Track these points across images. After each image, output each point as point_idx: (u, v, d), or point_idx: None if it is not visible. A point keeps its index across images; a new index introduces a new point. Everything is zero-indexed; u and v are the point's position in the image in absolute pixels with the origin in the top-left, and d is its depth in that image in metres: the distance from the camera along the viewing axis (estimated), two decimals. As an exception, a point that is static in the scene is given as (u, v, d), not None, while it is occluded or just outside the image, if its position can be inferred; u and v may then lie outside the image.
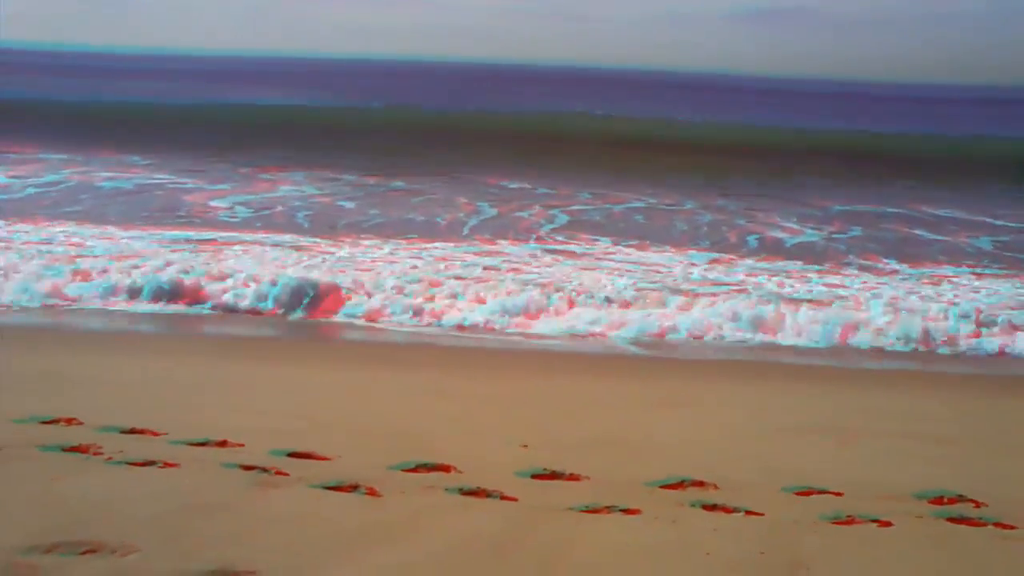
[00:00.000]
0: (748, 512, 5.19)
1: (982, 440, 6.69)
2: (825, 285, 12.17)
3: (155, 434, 5.98)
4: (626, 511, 5.14)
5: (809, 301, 11.02)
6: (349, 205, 17.38)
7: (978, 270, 13.54)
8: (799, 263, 13.45)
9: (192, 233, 13.49)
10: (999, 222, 18.97)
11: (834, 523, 5.15)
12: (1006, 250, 15.60)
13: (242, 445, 5.87)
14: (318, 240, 13.65)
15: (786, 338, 9.44)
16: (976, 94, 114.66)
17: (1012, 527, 5.17)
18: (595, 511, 5.13)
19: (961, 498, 5.52)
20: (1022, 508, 5.42)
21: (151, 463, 5.49)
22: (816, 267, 13.18)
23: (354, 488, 5.32)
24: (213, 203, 16.72)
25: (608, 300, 10.30)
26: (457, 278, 11.53)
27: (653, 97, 67.18)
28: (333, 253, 12.69)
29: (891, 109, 69.08)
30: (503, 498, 5.27)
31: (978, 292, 11.88)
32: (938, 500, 5.50)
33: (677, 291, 11.29)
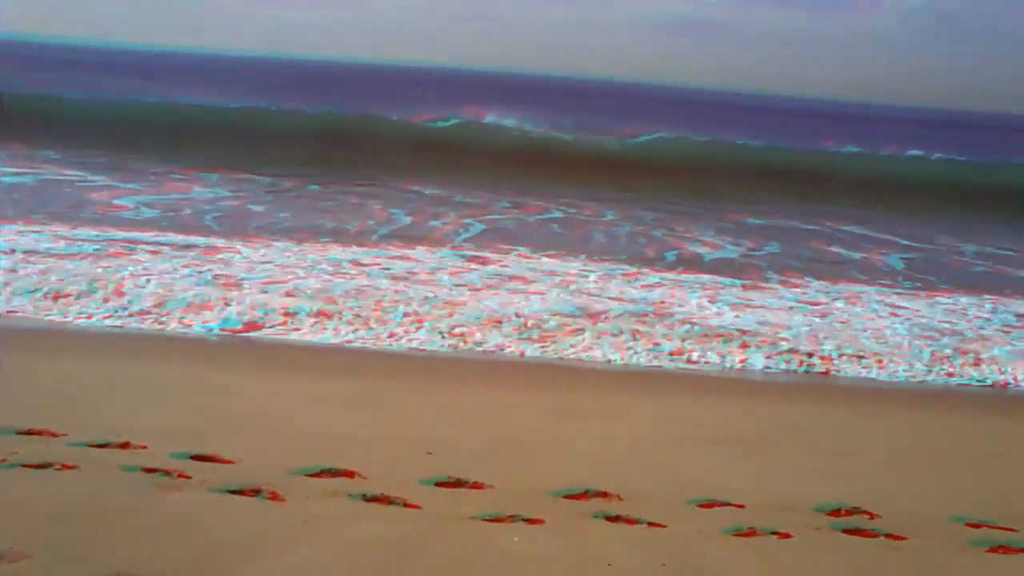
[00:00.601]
0: (651, 524, 5.25)
1: (878, 454, 6.84)
2: (740, 299, 12.25)
3: (54, 435, 5.84)
4: (529, 520, 5.17)
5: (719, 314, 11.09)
6: (258, 208, 17.06)
7: (888, 288, 13.74)
8: (715, 277, 13.51)
9: (94, 232, 13.08)
10: (903, 241, 19.40)
11: (735, 535, 5.23)
12: (917, 270, 15.92)
13: (145, 447, 5.78)
14: (221, 242, 13.34)
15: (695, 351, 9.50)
16: (895, 113, 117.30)
17: (903, 538, 5.34)
18: (498, 520, 5.15)
19: (856, 510, 5.65)
20: (913, 519, 5.59)
21: (48, 465, 5.39)
22: (739, 281, 13.24)
23: (256, 492, 5.29)
24: (118, 202, 16.30)
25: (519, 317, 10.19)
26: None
27: (568, 105, 67.19)
28: (235, 255, 12.35)
29: (806, 125, 70.10)
30: (406, 505, 5.27)
31: (885, 311, 12.04)
32: (835, 512, 5.62)
33: (588, 303, 11.29)
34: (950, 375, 9.20)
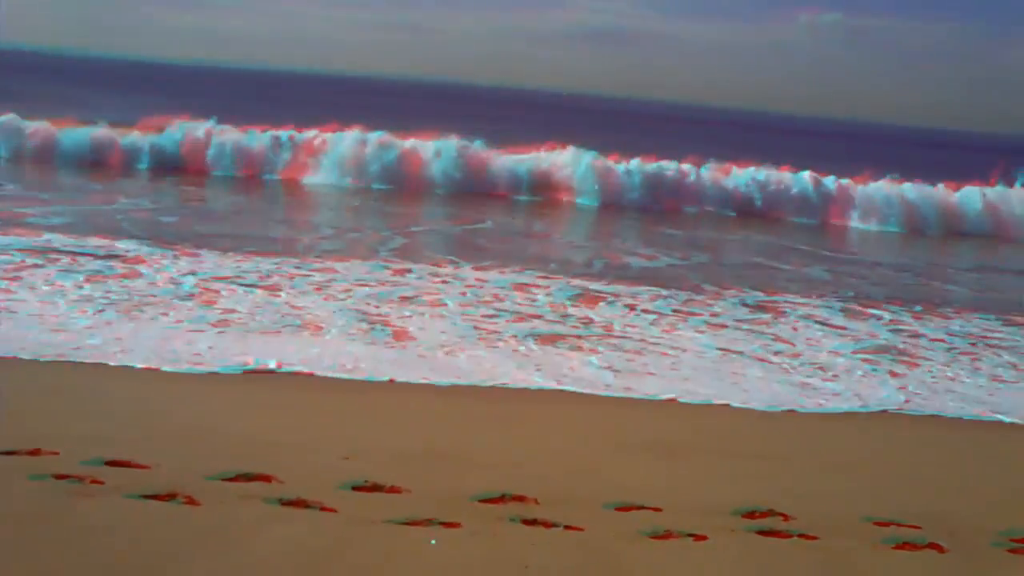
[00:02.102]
0: (568, 527, 5.33)
1: (792, 458, 7.02)
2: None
3: (-42, 444, 5.73)
4: (446, 524, 5.22)
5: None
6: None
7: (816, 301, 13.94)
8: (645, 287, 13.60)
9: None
10: (826, 252, 19.77)
11: (652, 538, 5.33)
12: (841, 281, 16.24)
13: (56, 453, 5.70)
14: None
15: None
16: (831, 128, 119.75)
17: (815, 537, 5.48)
18: (415, 524, 5.19)
19: (771, 512, 5.78)
20: (825, 519, 5.74)
21: (-47, 475, 5.28)
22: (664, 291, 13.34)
23: (172, 497, 5.28)
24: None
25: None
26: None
27: (489, 115, 67.46)
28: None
29: (727, 136, 71.25)
30: (323, 509, 5.30)
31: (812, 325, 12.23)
32: (750, 514, 5.75)
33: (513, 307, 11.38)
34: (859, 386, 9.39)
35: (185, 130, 23.66)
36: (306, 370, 8.06)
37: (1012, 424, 8.31)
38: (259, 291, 10.93)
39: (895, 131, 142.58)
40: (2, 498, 5.10)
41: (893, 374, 9.78)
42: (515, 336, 9.90)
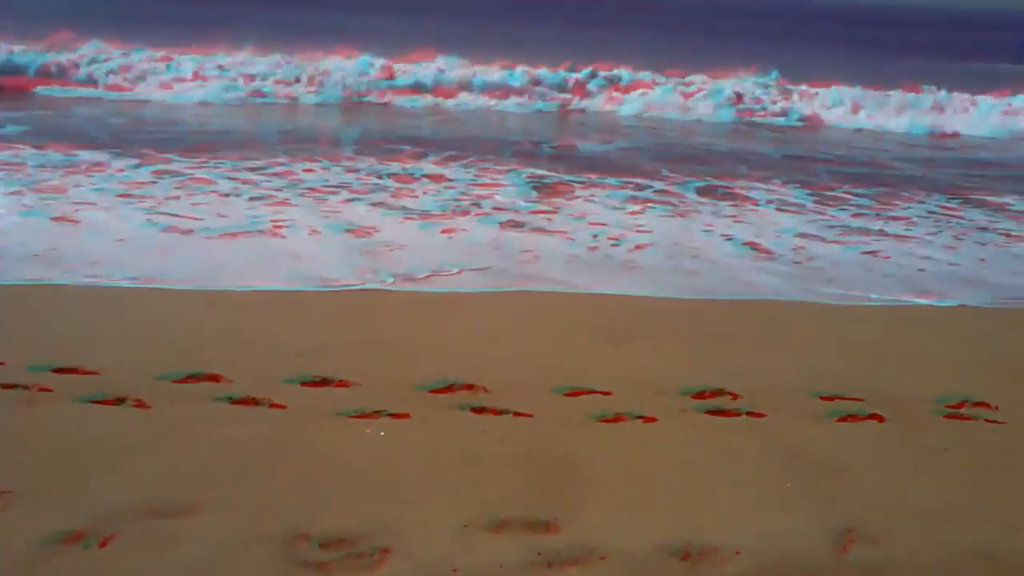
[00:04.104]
0: (517, 413, 5.48)
1: (741, 337, 7.19)
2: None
3: (-100, 357, 5.75)
4: (395, 415, 5.36)
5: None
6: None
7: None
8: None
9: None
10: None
11: (601, 421, 5.50)
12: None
13: (2, 364, 5.72)
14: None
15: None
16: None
17: (763, 415, 5.70)
18: (364, 416, 5.32)
19: (720, 391, 5.96)
20: (772, 397, 5.95)
21: (-103, 387, 5.32)
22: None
23: (121, 401, 5.38)
24: None
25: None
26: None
27: None
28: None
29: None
30: (272, 406, 5.42)
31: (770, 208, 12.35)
32: (699, 395, 5.92)
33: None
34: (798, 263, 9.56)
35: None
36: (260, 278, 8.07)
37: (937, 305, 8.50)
38: (212, 196, 10.91)
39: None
40: (-50, 409, 5.14)
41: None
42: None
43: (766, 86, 23.23)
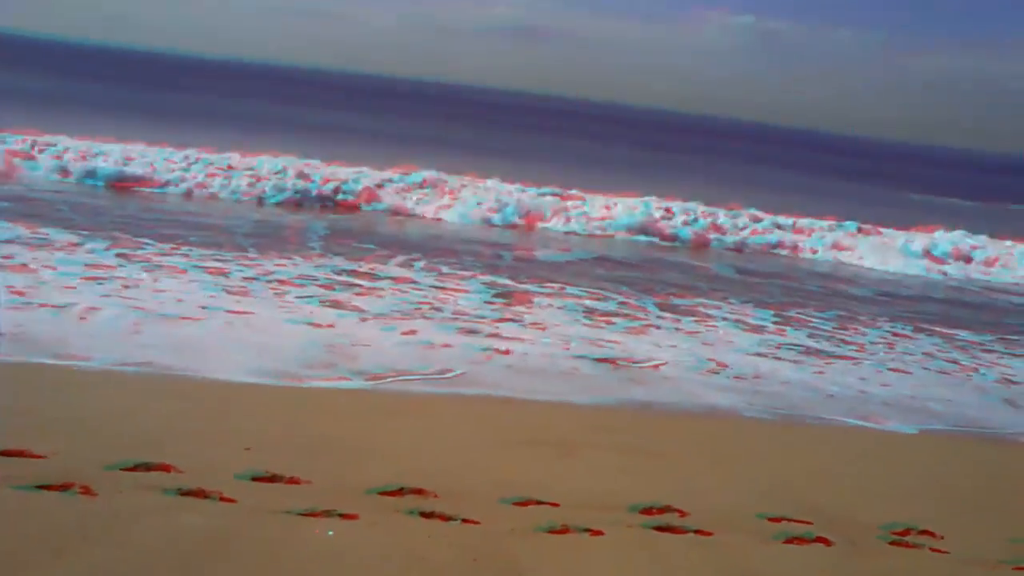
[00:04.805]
0: (465, 520, 5.49)
1: (689, 456, 7.24)
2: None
3: None
4: (344, 516, 5.35)
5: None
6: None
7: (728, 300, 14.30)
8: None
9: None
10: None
11: (549, 532, 5.52)
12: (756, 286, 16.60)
13: (-58, 444, 5.64)
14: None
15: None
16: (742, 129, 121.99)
17: (710, 533, 5.73)
18: (313, 515, 5.30)
19: (668, 508, 5.99)
20: (720, 516, 5.99)
21: None
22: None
23: (67, 487, 5.32)
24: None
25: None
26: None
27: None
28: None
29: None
30: (222, 499, 5.40)
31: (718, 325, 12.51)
32: (647, 511, 5.96)
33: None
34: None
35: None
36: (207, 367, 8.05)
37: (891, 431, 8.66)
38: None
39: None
40: None
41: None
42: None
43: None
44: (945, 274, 21.17)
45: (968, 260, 22.41)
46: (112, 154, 20.40)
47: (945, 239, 23.18)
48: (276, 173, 20.65)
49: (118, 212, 15.94)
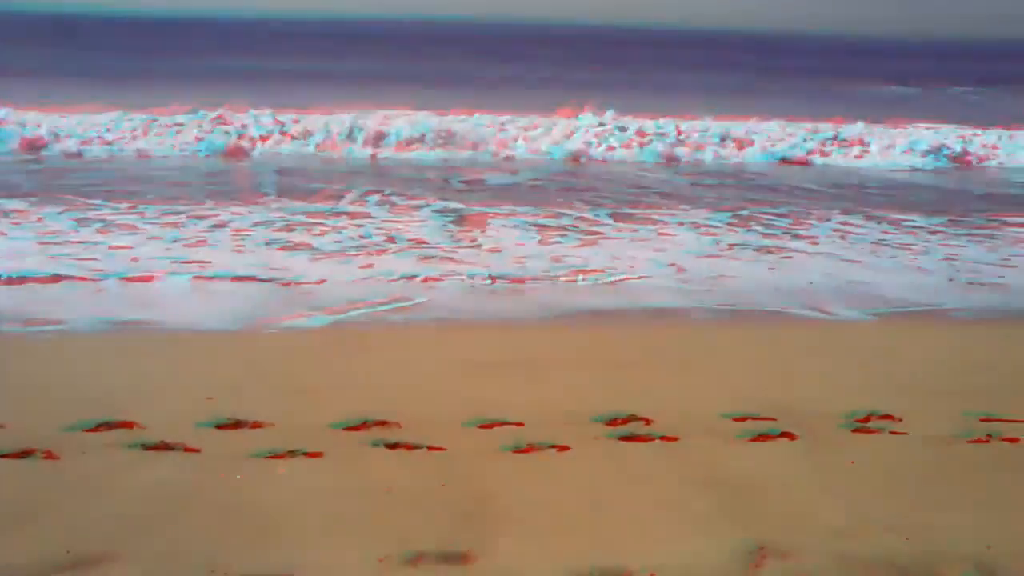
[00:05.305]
0: (431, 447, 5.52)
1: (651, 365, 7.31)
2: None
3: None
4: (310, 454, 5.38)
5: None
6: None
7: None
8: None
9: None
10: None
11: (515, 452, 5.57)
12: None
13: None
14: None
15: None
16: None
17: (676, 438, 5.79)
18: (278, 456, 5.33)
19: (633, 417, 6.05)
20: (684, 420, 6.06)
21: None
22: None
23: (28, 453, 5.30)
24: None
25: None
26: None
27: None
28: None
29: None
30: (186, 450, 5.41)
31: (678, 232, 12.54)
32: (612, 422, 6.01)
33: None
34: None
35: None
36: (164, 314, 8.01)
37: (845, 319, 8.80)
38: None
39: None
40: None
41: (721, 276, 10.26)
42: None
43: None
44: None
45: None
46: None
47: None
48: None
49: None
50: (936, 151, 21.37)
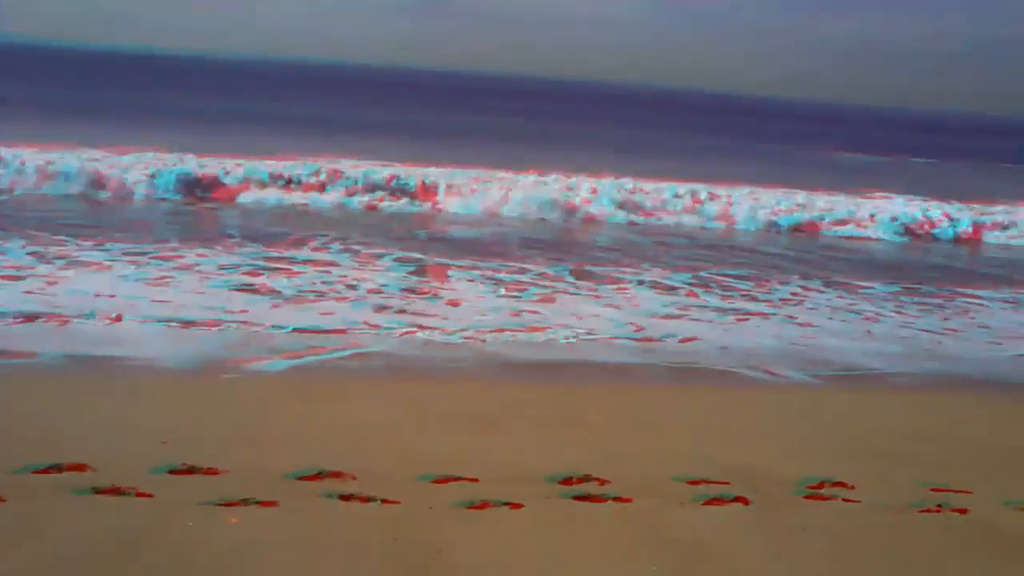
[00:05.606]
0: (384, 500, 5.49)
1: (607, 425, 7.32)
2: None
3: None
4: (263, 503, 5.33)
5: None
6: None
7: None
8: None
9: None
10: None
11: (468, 508, 5.54)
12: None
13: None
14: None
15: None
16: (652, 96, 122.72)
17: (629, 500, 5.78)
18: (230, 504, 5.27)
19: (587, 477, 6.05)
20: (639, 482, 6.05)
21: None
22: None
23: (-28, 496, 5.13)
24: None
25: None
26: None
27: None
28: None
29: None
30: (138, 495, 5.33)
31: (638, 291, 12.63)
32: (567, 481, 6.01)
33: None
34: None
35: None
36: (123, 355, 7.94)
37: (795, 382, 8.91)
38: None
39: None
40: None
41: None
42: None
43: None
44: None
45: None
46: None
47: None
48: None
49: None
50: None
